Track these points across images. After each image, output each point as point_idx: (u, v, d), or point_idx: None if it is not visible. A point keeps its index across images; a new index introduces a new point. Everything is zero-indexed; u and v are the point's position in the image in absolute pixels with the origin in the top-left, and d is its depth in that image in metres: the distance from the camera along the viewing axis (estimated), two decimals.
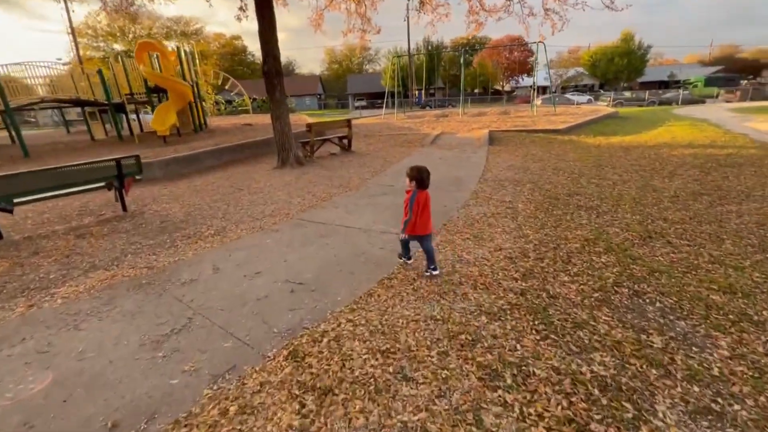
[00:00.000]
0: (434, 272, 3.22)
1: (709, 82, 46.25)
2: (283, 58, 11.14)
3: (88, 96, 13.98)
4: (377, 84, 56.91)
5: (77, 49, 31.17)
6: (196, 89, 15.82)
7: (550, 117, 17.34)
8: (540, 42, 18.34)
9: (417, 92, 37.91)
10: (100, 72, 13.31)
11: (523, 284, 3.04)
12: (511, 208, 5.06)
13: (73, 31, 30.12)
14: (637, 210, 4.78)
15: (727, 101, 33.21)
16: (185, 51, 15.09)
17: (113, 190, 5.74)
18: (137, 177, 5.78)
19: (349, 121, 10.58)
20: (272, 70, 8.37)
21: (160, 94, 15.36)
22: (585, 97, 42.09)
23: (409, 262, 3.50)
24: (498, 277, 3.18)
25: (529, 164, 8.05)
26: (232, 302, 2.98)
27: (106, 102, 13.65)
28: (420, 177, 3.03)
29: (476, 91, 60.24)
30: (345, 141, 10.95)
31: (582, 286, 2.98)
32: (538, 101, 41.73)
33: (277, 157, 9.11)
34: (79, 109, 17.83)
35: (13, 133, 12.29)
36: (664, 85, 55.52)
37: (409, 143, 12.15)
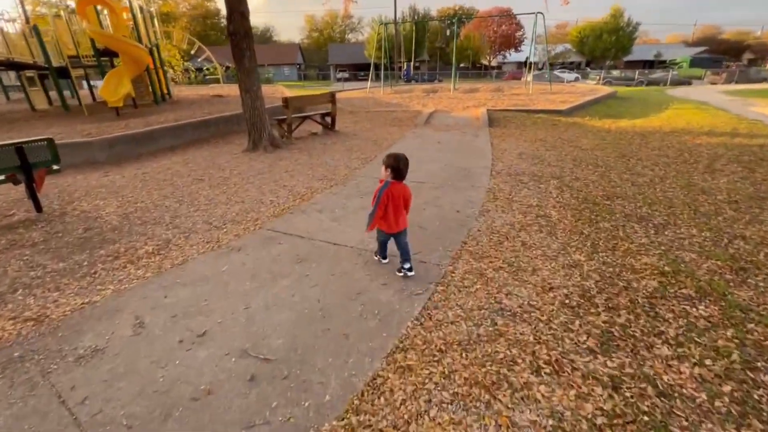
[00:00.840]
0: (409, 273, 2.85)
1: (694, 63, 46.02)
2: (260, 24, 9.52)
3: (26, 57, 11.93)
4: (360, 55, 54.11)
5: (23, 4, 27.51)
6: (157, 54, 13.83)
7: (548, 96, 16.24)
8: (540, 13, 16.96)
9: (405, 65, 35.75)
10: (35, 28, 11.20)
11: (609, 365, 2.00)
12: (543, 216, 4.00)
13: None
14: (700, 222, 3.80)
15: (713, 83, 32.91)
16: (141, 8, 12.99)
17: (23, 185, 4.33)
18: (54, 167, 4.36)
19: (332, 95, 9.17)
20: (239, 30, 6.84)
21: (112, 58, 13.38)
22: (573, 75, 41.10)
23: (384, 261, 3.10)
24: (566, 347, 2.13)
25: (541, 152, 6.98)
26: (149, 408, 1.81)
27: (46, 65, 11.64)
28: (397, 166, 2.61)
29: (461, 65, 58.30)
30: (328, 119, 9.56)
31: (697, 369, 1.96)
32: (528, 77, 40.68)
33: (247, 138, 7.70)
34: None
35: None
36: (649, 64, 55.09)
37: (401, 122, 10.85)
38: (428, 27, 50.64)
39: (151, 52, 12.79)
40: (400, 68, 47.46)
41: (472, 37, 51.80)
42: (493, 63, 58.68)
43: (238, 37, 6.86)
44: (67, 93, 13.79)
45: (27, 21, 11.04)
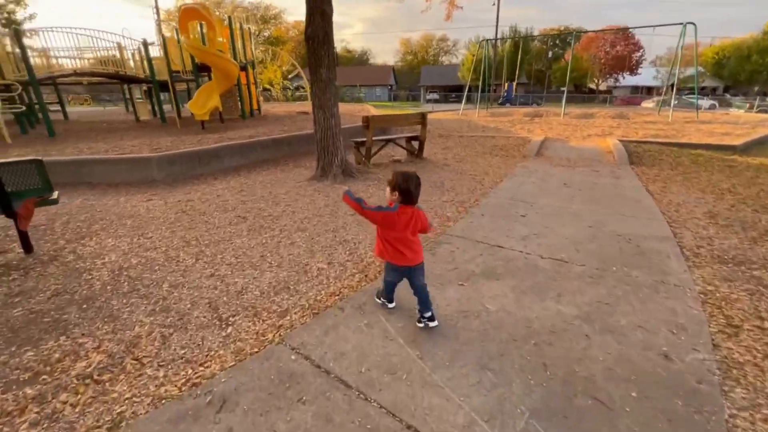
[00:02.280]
0: (431, 324, 2.24)
1: None
2: (358, 48, 8.34)
3: (137, 72, 12.59)
4: (453, 76, 52.86)
5: (159, 29, 31.80)
6: (252, 71, 13.83)
7: (697, 125, 12.62)
8: (691, 23, 13.53)
9: (507, 85, 32.75)
10: (144, 43, 11.71)
11: None
12: None
13: (158, 10, 30.60)
14: None
15: None
16: (241, 25, 13.06)
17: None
18: (51, 197, 3.29)
19: (423, 116, 7.51)
20: (318, 34, 5.56)
21: (209, 73, 13.64)
22: (707, 102, 34.32)
23: (390, 306, 2.45)
24: None
25: (746, 214, 4.36)
26: None
27: (149, 79, 12.10)
28: (407, 188, 2.04)
29: (563, 89, 53.41)
30: (415, 144, 7.91)
31: None
32: (649, 103, 34.91)
33: (316, 164, 6.35)
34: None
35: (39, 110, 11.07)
36: None
37: (504, 151, 8.73)
38: (530, 48, 47.38)
39: (244, 69, 12.67)
40: (494, 90, 44.87)
41: (580, 59, 47.11)
42: (602, 87, 52.69)
43: (316, 42, 5.58)
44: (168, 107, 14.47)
45: (164, 43, 11.59)
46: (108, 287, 2.83)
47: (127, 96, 19.15)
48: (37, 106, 12.60)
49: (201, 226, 4.15)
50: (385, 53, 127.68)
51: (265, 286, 2.85)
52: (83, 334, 2.28)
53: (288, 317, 2.44)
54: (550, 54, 59.09)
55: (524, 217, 4.25)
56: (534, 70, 52.98)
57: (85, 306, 2.59)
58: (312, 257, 3.33)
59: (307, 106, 17.18)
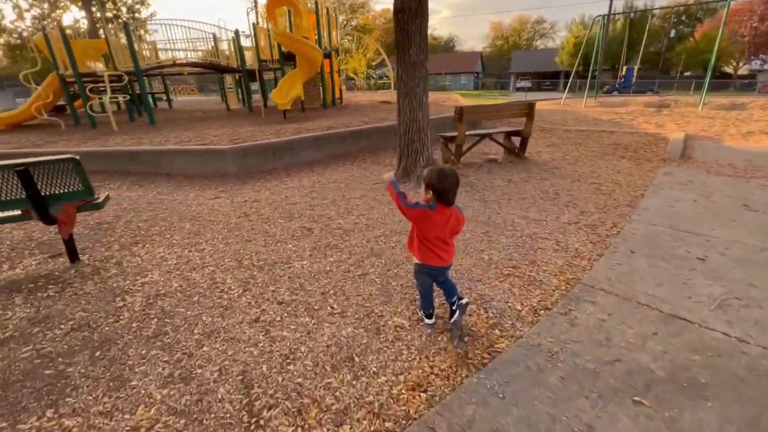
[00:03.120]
0: (462, 301, 2.08)
1: None
2: (444, 34, 7.22)
3: (230, 62, 12.94)
4: (548, 62, 48.06)
5: (256, 17, 33.60)
6: (335, 58, 13.39)
7: None
8: None
9: (626, 69, 27.61)
10: (236, 32, 11.89)
11: None
12: None
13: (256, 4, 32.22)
14: None
15: None
16: (327, 10, 12.61)
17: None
18: (95, 200, 2.83)
19: (530, 106, 6.10)
20: (409, 5, 4.55)
21: (295, 62, 13.52)
22: None
23: (429, 322, 2.17)
24: None
25: None
26: None
27: (239, 68, 12.31)
28: (441, 187, 1.82)
29: (687, 73, 44.91)
30: (515, 140, 6.54)
31: None
32: None
33: (397, 162, 5.43)
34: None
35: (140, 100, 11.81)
36: None
37: (632, 152, 6.89)
38: (648, 26, 40.63)
39: (328, 56, 12.24)
40: (594, 76, 39.33)
41: (713, 38, 39.11)
42: (741, 71, 43.29)
43: (407, 15, 4.58)
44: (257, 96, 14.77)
45: (254, 31, 11.80)
46: (134, 325, 2.24)
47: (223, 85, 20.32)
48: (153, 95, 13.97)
49: (260, 237, 3.50)
50: (473, 39, 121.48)
51: (321, 350, 2.00)
52: (73, 411, 1.65)
53: (345, 427, 1.55)
54: (672, 33, 50.21)
55: (704, 261, 2.81)
56: (648, 53, 45.48)
57: (98, 354, 2.01)
58: (387, 303, 2.41)
59: (389, 95, 16.37)
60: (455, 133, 5.88)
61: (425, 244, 1.95)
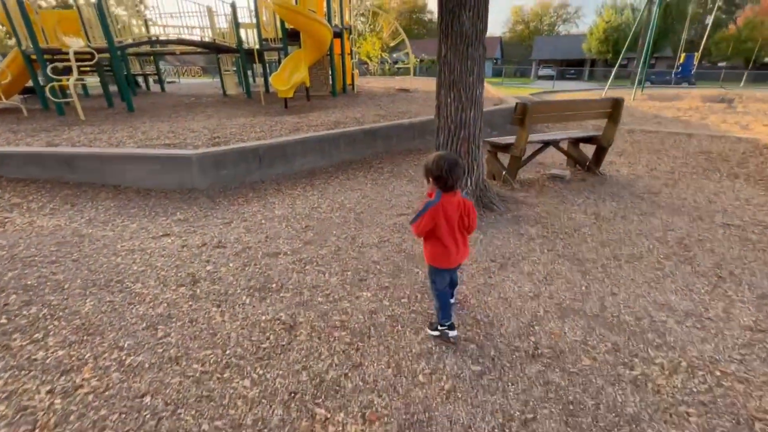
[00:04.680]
0: (451, 333, 1.90)
1: None
2: None
3: (228, 41, 11.27)
4: (574, 48, 45.39)
5: None
6: (348, 38, 11.61)
7: None
8: None
9: (684, 57, 23.71)
10: (232, 6, 10.18)
11: None
12: None
13: None
14: None
15: None
16: None
17: None
18: None
19: (616, 103, 4.36)
20: None
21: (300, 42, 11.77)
22: None
23: (452, 335, 1.91)
24: None
25: None
26: None
27: (236, 48, 10.63)
28: (440, 174, 1.69)
29: (722, 63, 41.65)
30: (581, 148, 4.81)
31: None
32: None
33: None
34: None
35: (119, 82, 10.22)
36: None
37: (737, 166, 5.11)
38: (687, 11, 37.44)
39: (339, 36, 10.47)
40: (624, 65, 36.42)
41: (758, 25, 36.07)
42: None
43: None
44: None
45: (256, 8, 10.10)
46: None
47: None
48: (136, 77, 12.37)
49: (197, 351, 1.91)
50: (492, 23, 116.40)
51: None
52: None
53: None
54: (708, 20, 46.60)
55: None
56: (678, 41, 42.21)
57: None
58: None
59: (408, 81, 14.51)
60: (511, 139, 4.20)
61: (440, 239, 1.76)
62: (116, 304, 2.25)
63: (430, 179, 1.73)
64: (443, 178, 1.67)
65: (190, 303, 2.26)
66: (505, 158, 4.39)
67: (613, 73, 13.79)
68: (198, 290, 2.39)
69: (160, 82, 13.77)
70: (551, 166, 5.15)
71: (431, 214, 1.72)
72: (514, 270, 2.63)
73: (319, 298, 2.31)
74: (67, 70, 10.39)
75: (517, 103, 3.90)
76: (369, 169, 5.21)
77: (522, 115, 3.92)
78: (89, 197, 4.15)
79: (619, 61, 13.96)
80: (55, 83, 7.76)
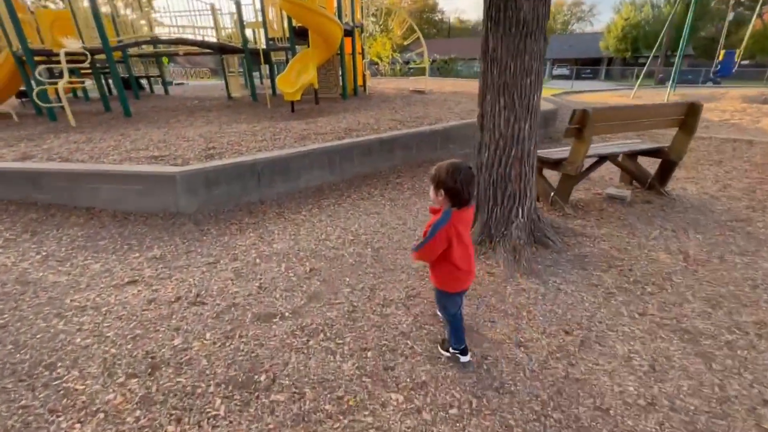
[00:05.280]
0: (463, 358, 1.73)
1: None
2: (473, 18, 4.76)
3: (233, 41, 10.68)
4: (588, 47, 44.25)
5: None
6: (359, 36, 10.91)
7: None
8: None
9: (723, 54, 21.13)
10: (237, 3, 9.53)
11: None
12: None
13: None
14: None
15: None
16: None
17: None
18: None
19: (693, 109, 3.55)
20: None
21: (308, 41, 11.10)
22: None
23: (464, 360, 1.74)
24: None
25: None
26: None
27: (241, 48, 9.98)
28: (454, 186, 1.44)
29: (744, 61, 39.89)
30: (644, 163, 3.99)
31: None
32: None
33: (476, 217, 2.99)
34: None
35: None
36: None
37: None
38: (709, 7, 35.95)
39: (350, 34, 9.76)
40: (642, 64, 35.02)
41: None
42: None
43: None
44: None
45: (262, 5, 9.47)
46: None
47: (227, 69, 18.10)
48: (140, 79, 11.86)
49: None
50: None
51: None
52: None
53: None
54: (731, 15, 44.87)
55: None
56: (697, 38, 40.51)
57: None
58: None
59: (423, 82, 13.73)
60: (562, 153, 3.41)
61: (453, 263, 1.53)
62: (32, 414, 1.54)
63: (441, 192, 1.48)
64: (459, 192, 1.44)
65: (138, 413, 1.53)
66: (547, 173, 3.60)
67: (643, 72, 12.77)
68: (154, 386, 1.67)
69: (164, 84, 13.21)
70: (601, 183, 4.35)
71: (441, 238, 1.48)
72: (603, 350, 1.85)
73: (327, 406, 1.57)
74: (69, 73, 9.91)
75: (574, 111, 3.11)
76: (386, 186, 4.46)
77: (581, 124, 3.14)
78: (56, 223, 3.48)
79: (650, 58, 12.95)
80: (44, 87, 7.18)
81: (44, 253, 2.94)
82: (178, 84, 22.35)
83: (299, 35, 9.31)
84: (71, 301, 2.31)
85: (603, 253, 2.78)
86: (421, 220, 3.44)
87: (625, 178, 4.27)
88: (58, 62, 7.25)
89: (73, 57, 7.46)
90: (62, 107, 7.04)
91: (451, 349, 1.77)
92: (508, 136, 2.53)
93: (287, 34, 9.09)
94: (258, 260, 2.79)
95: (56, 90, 8.42)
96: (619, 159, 3.99)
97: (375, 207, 3.84)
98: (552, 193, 3.56)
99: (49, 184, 3.72)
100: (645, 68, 12.94)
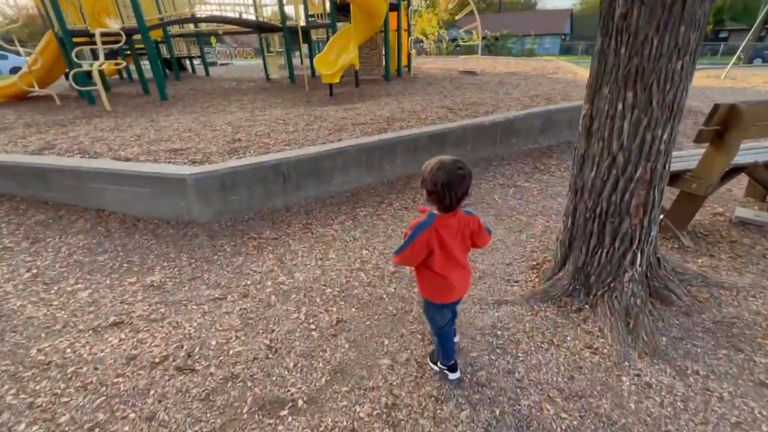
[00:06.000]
0: (452, 375, 1.61)
1: None
2: None
3: (274, 19, 10.11)
4: None
5: None
6: (405, 11, 9.93)
7: None
8: None
9: None
10: None
11: None
12: None
13: None
14: None
15: None
16: None
17: None
18: None
19: None
20: None
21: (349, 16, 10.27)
22: None
23: (453, 377, 1.61)
24: None
25: None
26: None
27: (279, 26, 9.37)
28: (434, 190, 1.26)
29: None
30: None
31: None
32: None
33: (561, 251, 2.18)
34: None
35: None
36: None
37: None
38: None
39: (395, 8, 8.84)
40: (724, 39, 30.45)
41: None
42: None
43: None
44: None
45: None
46: None
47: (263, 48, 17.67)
48: (181, 60, 11.70)
49: None
50: None
51: None
52: None
53: None
54: None
55: None
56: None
57: None
58: None
59: (473, 62, 12.47)
60: (685, 162, 2.48)
61: (437, 272, 1.37)
62: None
63: (424, 191, 1.31)
64: (440, 197, 1.25)
65: None
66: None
67: (741, 48, 10.73)
68: None
69: (205, 65, 12.99)
70: (719, 198, 3.32)
71: (422, 242, 1.31)
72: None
73: None
74: (111, 54, 9.82)
75: (716, 106, 2.17)
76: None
77: (724, 125, 2.19)
78: (61, 228, 3.09)
79: (754, 28, 10.81)
80: (81, 69, 6.99)
81: (35, 271, 2.52)
82: (223, 64, 22.37)
83: (340, 11, 8.55)
84: (38, 351, 1.83)
85: (755, 322, 1.89)
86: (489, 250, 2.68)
87: (756, 192, 3.22)
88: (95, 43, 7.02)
89: (109, 38, 7.20)
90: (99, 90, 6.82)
91: (439, 364, 1.64)
92: (632, 149, 1.68)
93: (328, 10, 8.36)
94: (273, 298, 2.18)
95: (100, 71, 8.32)
96: (754, 171, 2.94)
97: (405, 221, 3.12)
98: (661, 216, 2.65)
99: (56, 181, 3.33)
100: (744, 42, 10.86)
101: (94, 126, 5.14)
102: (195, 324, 1.99)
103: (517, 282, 2.25)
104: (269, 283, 2.33)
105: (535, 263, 2.42)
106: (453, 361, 1.60)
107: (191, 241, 2.84)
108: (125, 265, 2.58)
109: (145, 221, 3.13)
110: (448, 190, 1.23)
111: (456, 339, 1.75)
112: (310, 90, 8.09)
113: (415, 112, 5.03)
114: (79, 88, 7.04)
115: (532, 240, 2.76)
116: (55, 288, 2.33)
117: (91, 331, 1.96)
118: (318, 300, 2.16)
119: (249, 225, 3.07)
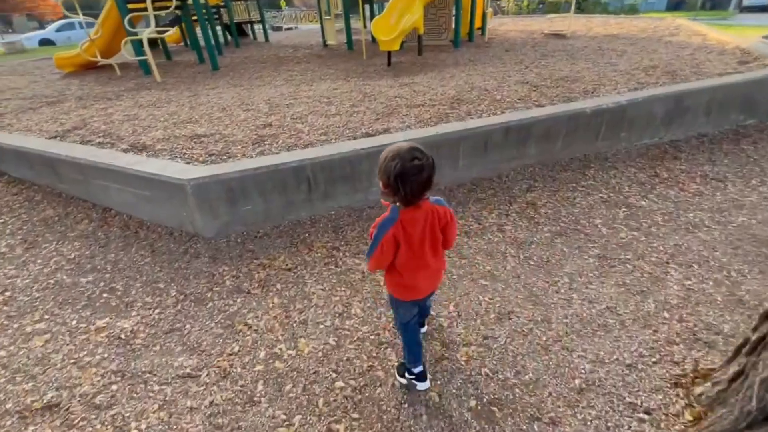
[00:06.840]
0: (420, 385, 1.47)
1: None
2: None
3: None
4: None
5: None
6: None
7: None
8: None
9: None
10: None
11: None
12: None
13: None
14: None
15: None
16: None
17: None
18: None
19: None
20: None
21: None
22: None
23: (421, 387, 1.47)
24: None
25: None
26: None
27: None
28: (388, 182, 1.10)
29: None
30: None
31: None
32: None
33: (737, 357, 1.20)
34: None
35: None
36: None
37: None
38: None
39: None
40: None
41: None
42: None
43: None
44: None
45: None
46: None
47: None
48: (242, 25, 11.30)
49: None
50: None
51: None
52: None
53: None
54: None
55: None
56: None
57: None
58: None
59: (559, 22, 10.44)
60: None
61: (399, 269, 1.27)
62: None
63: (381, 183, 1.15)
64: (393, 188, 1.09)
65: None
66: None
67: None
68: None
69: (264, 30, 12.53)
70: None
71: (389, 240, 1.18)
72: None
73: None
74: (175, 21, 9.63)
75: None
76: (509, 208, 2.71)
77: None
78: (63, 229, 2.70)
79: None
80: (134, 37, 6.77)
81: (8, 294, 2.11)
82: (288, 29, 21.94)
83: None
84: None
85: None
86: (583, 309, 1.74)
87: None
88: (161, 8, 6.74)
89: (161, 3, 6.85)
90: (189, 58, 6.57)
91: (406, 375, 1.46)
92: None
93: None
94: (260, 388, 1.50)
95: (161, 40, 8.13)
96: None
97: (488, 259, 2.21)
98: None
99: (65, 174, 2.94)
100: None
101: (135, 101, 4.82)
102: (145, 425, 1.38)
103: (649, 413, 1.32)
104: (262, 355, 1.65)
105: (681, 370, 1.45)
106: (421, 367, 1.44)
107: (189, 265, 2.27)
108: (105, 295, 2.08)
109: (147, 229, 2.62)
110: (403, 183, 1.06)
111: (423, 330, 1.66)
112: (368, 58, 7.21)
113: (488, 91, 3.95)
114: (132, 57, 6.87)
115: (666, 315, 1.75)
116: (15, 326, 1.89)
117: (17, 416, 1.44)
118: (320, 404, 1.43)
119: (261, 245, 2.41)
